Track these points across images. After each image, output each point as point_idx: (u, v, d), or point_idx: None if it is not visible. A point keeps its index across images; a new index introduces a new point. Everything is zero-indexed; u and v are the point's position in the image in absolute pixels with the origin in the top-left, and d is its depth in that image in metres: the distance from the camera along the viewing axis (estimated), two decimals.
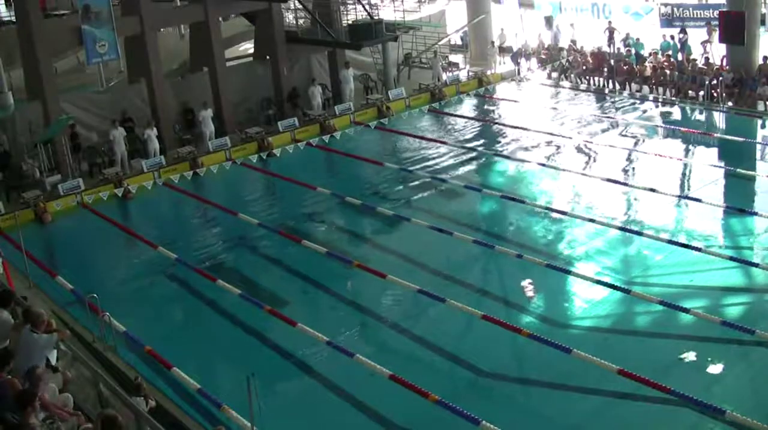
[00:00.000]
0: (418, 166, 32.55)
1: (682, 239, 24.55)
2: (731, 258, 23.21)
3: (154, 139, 33.67)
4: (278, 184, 32.13)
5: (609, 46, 43.26)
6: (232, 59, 41.53)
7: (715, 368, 18.59)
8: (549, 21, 46.82)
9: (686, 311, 20.35)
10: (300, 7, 39.63)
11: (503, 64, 45.70)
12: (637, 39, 42.23)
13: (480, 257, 24.74)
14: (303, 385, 19.14)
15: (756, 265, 22.68)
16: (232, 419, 16.85)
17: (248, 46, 45.06)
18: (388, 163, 32.72)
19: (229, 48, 42.06)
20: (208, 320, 22.35)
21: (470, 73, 44.10)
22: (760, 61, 37.03)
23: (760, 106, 36.51)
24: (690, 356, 19.04)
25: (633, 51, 41.50)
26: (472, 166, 32.42)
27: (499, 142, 35.63)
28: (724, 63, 38.31)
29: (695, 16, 41.50)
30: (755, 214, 26.08)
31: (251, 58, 41.99)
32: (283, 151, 34.58)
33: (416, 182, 31.05)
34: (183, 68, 41.38)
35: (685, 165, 31.27)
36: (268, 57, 39.49)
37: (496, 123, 38.26)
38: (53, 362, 16.37)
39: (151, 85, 35.30)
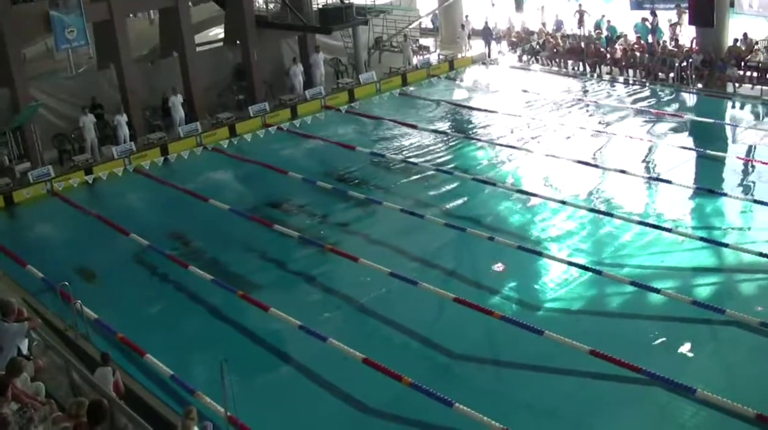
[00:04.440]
0: (389, 150, 32.58)
1: (653, 220, 24.74)
2: (701, 239, 23.41)
3: (124, 126, 33.48)
4: (249, 170, 32.02)
5: (579, 28, 43.40)
6: (202, 44, 41.31)
7: (686, 348, 18.76)
8: (519, 4, 46.92)
9: (657, 291, 20.53)
10: None
11: (471, 48, 45.60)
12: (609, 21, 42.39)
13: (452, 240, 24.80)
14: (276, 369, 19.18)
15: (726, 245, 22.87)
16: (206, 404, 16.85)
17: (218, 31, 44.87)
18: (360, 147, 32.72)
19: (199, 33, 41.83)
20: (180, 306, 22.31)
21: (441, 57, 44.08)
22: (730, 43, 37.24)
23: (729, 88, 36.75)
24: (661, 335, 19.20)
25: (605, 33, 41.67)
26: (443, 150, 32.41)
27: (470, 125, 35.68)
28: (694, 45, 38.49)
29: None
30: (725, 194, 26.31)
31: (221, 43, 41.79)
32: (254, 136, 34.54)
33: (388, 166, 31.10)
34: (153, 54, 41.12)
35: (656, 146, 31.38)
36: (238, 42, 39.29)
37: (467, 106, 38.27)
38: (24, 350, 16.34)
39: (120, 71, 35.07)
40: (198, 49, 38.55)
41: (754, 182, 27.83)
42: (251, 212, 27.33)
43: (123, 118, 33.57)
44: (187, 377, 18.22)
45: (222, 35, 42.91)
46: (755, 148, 30.84)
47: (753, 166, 28.94)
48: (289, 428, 16.86)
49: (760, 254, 21.97)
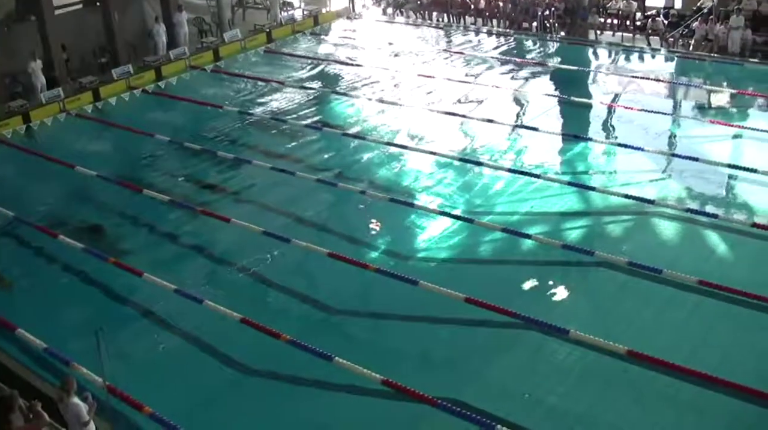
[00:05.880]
0: (257, 108, 32.32)
1: (522, 167, 25.21)
2: (569, 183, 23.93)
3: None
4: (115, 134, 31.36)
5: None
6: (61, 7, 40.16)
7: (558, 290, 19.24)
8: None
9: (528, 236, 20.97)
10: None
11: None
12: None
13: (323, 195, 24.76)
14: (154, 335, 18.88)
15: (593, 188, 23.48)
16: (84, 375, 16.50)
17: None
18: (227, 106, 32.34)
19: None
20: (51, 276, 21.75)
21: (305, 12, 43.73)
22: None
23: (591, 36, 37.52)
24: (533, 280, 19.60)
25: None
26: (311, 106, 32.30)
27: (337, 79, 35.60)
28: None
29: None
30: (590, 139, 26.98)
31: (81, 5, 40.73)
32: (119, 100, 33.88)
33: (256, 124, 30.84)
34: (9, 18, 39.82)
35: (521, 95, 31.86)
36: (98, 3, 38.34)
37: (333, 61, 38.12)
38: None
39: None
40: (57, 11, 37.49)
41: (617, 127, 28.56)
42: (119, 177, 26.76)
43: None
44: (62, 348, 17.83)
45: None
46: (618, 93, 31.63)
47: (616, 111, 29.69)
48: (169, 393, 16.63)
49: (626, 196, 22.62)
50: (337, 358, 16.60)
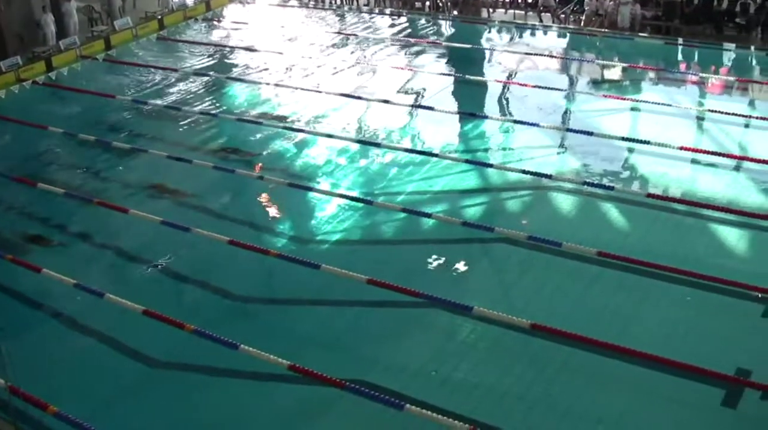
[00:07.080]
0: (151, 97, 31.78)
1: (419, 147, 25.34)
2: (467, 161, 24.13)
3: None
4: (6, 128, 30.62)
5: None
6: None
7: (460, 267, 19.33)
8: None
9: (428, 215, 21.09)
10: None
11: None
12: None
13: (221, 182, 24.51)
14: (56, 331, 18.48)
15: (491, 165, 23.72)
16: None
17: None
18: (120, 96, 31.75)
19: None
20: None
21: None
22: None
23: (484, 14, 37.76)
24: (436, 258, 19.69)
25: None
26: (206, 92, 31.92)
27: (232, 65, 35.27)
28: None
29: None
30: (486, 117, 27.21)
31: None
32: (8, 93, 33.09)
33: (151, 113, 30.32)
34: None
35: (417, 75, 31.93)
36: None
37: (227, 47, 37.76)
38: None
39: None
40: None
41: (513, 103, 28.83)
42: (12, 172, 26.15)
43: None
44: None
45: None
46: (512, 70, 31.94)
47: (511, 88, 29.96)
48: (75, 390, 16.32)
49: (524, 172, 22.94)
50: (242, 345, 16.47)
